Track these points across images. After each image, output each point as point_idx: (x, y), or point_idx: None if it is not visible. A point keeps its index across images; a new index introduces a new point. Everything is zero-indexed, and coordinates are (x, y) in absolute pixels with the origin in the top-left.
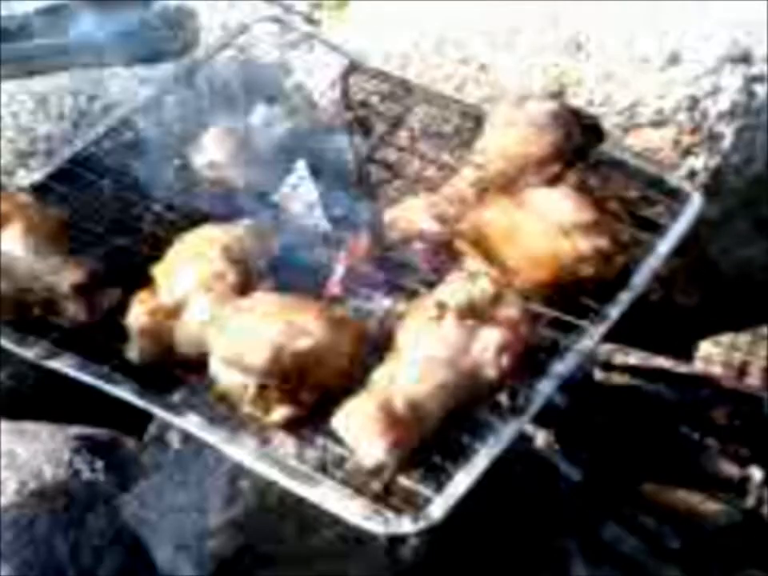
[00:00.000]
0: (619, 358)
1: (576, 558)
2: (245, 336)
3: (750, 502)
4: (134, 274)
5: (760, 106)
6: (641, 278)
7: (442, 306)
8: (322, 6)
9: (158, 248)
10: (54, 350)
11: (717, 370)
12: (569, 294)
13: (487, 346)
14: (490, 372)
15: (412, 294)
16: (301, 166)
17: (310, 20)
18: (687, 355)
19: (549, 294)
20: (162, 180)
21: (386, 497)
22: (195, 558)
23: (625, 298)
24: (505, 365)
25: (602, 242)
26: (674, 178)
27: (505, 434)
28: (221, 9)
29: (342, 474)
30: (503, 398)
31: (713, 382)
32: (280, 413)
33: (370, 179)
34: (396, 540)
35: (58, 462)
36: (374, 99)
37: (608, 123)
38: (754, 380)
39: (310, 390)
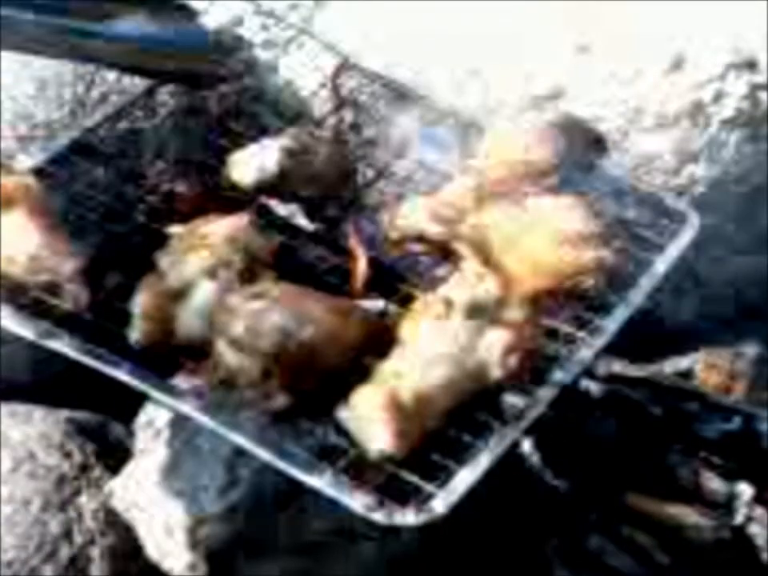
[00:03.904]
0: (603, 368)
1: (560, 568)
2: (254, 321)
3: (739, 519)
4: (132, 261)
5: (763, 114)
6: (638, 295)
7: (449, 304)
8: (299, 6)
9: (154, 236)
10: (53, 331)
11: (699, 384)
12: (567, 305)
13: (494, 346)
14: (496, 372)
15: (408, 296)
16: None
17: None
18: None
19: (547, 303)
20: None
21: (388, 489)
22: (186, 545)
23: (622, 313)
24: (511, 366)
25: (606, 255)
26: (672, 197)
27: (506, 436)
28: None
29: (343, 465)
30: (504, 401)
31: (700, 395)
32: (281, 400)
33: (358, 179)
34: (389, 535)
35: (50, 445)
36: (366, 99)
37: (608, 126)
38: (737, 396)
39: (313, 379)
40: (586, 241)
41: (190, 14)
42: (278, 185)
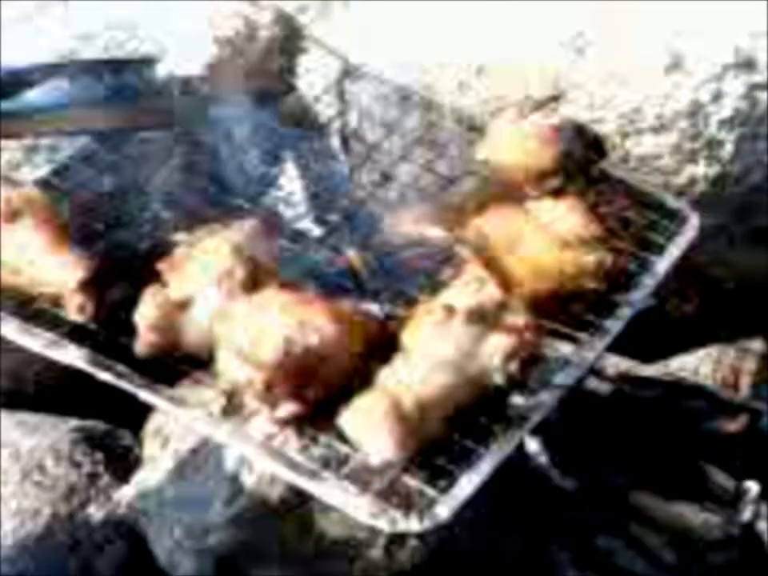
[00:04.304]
0: (611, 367)
1: (568, 568)
2: (257, 330)
3: (746, 516)
4: (136, 270)
5: (761, 114)
6: (640, 296)
7: (450, 310)
8: (308, 8)
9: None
10: (60, 342)
11: (706, 382)
12: (569, 307)
13: (495, 352)
14: (497, 378)
15: (410, 299)
16: (290, 168)
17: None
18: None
19: (549, 305)
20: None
21: (391, 496)
22: (195, 553)
23: (624, 313)
24: (513, 371)
25: (606, 257)
26: (672, 198)
27: (508, 440)
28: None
29: (347, 472)
30: (507, 406)
31: (707, 393)
32: (286, 409)
33: (363, 183)
34: (394, 541)
35: (59, 454)
36: (370, 104)
37: (608, 127)
38: (743, 393)
39: (317, 387)
40: (586, 243)
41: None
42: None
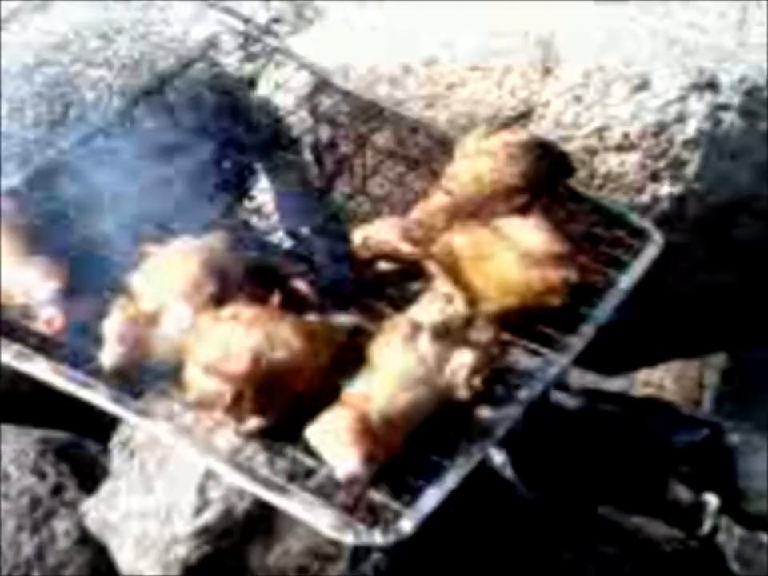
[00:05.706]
0: (576, 380)
1: None
2: (225, 344)
3: (706, 529)
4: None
5: (725, 134)
6: (603, 312)
7: (416, 326)
8: (283, 20)
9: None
10: (27, 353)
11: (669, 396)
12: (533, 322)
13: (460, 368)
14: (462, 393)
15: (378, 313)
16: (263, 182)
17: (269, 32)
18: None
19: (515, 320)
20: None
21: (356, 509)
22: (160, 565)
23: (588, 330)
24: (476, 386)
25: (571, 275)
26: (637, 217)
27: (472, 454)
28: (183, 19)
29: (312, 485)
30: (472, 420)
31: (669, 407)
32: (253, 422)
33: (334, 196)
34: (358, 555)
35: (24, 465)
36: (342, 118)
37: (575, 146)
38: (705, 408)
39: (283, 401)
40: (552, 261)
41: None
42: None
